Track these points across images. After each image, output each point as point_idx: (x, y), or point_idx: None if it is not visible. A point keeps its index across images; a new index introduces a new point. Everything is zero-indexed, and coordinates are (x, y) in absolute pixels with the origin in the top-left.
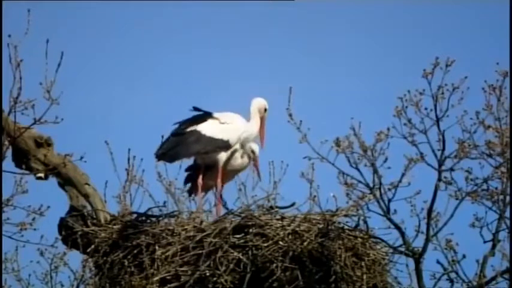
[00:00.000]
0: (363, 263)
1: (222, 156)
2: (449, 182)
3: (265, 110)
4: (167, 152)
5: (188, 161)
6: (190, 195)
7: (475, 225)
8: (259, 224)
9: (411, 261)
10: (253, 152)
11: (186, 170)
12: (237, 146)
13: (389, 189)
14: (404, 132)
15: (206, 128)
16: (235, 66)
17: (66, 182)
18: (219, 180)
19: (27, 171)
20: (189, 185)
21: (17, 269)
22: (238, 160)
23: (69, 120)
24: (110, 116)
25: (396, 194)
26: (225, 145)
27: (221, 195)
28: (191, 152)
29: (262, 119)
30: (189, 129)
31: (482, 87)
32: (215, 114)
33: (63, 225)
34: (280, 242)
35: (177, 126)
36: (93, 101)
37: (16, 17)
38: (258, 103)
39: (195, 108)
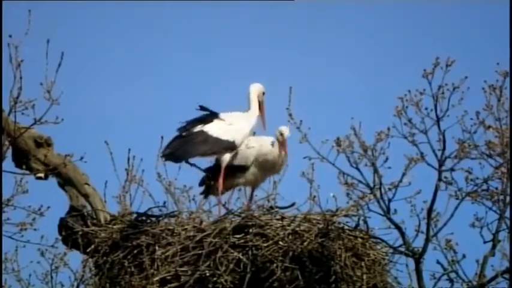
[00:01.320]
0: (363, 263)
1: (226, 157)
2: (449, 182)
3: (263, 93)
4: (174, 152)
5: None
6: (205, 196)
7: (475, 225)
8: (259, 224)
9: (411, 261)
10: (281, 134)
11: (205, 171)
12: (243, 146)
13: (389, 189)
14: (405, 132)
15: (213, 129)
16: (235, 66)
17: (66, 182)
18: (220, 181)
19: (27, 171)
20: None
21: (17, 269)
22: (270, 150)
23: (69, 120)
24: (110, 116)
25: (396, 194)
26: (230, 146)
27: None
28: (198, 152)
29: (261, 103)
30: (196, 130)
31: (483, 87)
32: (221, 115)
33: (63, 225)
34: (280, 242)
35: (183, 126)
36: (93, 101)
37: (17, 17)
38: (256, 88)
39: (202, 108)
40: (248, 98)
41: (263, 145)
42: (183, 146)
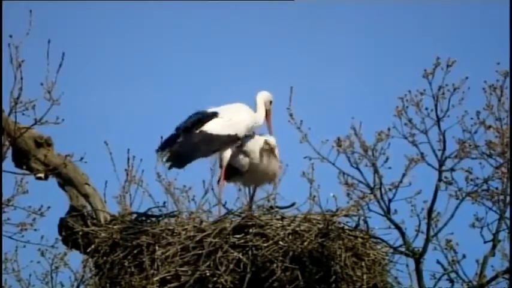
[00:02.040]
0: (363, 263)
1: (227, 154)
2: (449, 182)
3: (271, 102)
4: (177, 158)
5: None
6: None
7: (475, 226)
8: (259, 224)
9: (411, 261)
10: (267, 143)
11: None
12: (246, 138)
13: (389, 189)
14: (405, 132)
15: (212, 127)
16: (235, 66)
17: (66, 182)
18: (221, 180)
19: (27, 172)
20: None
21: (17, 269)
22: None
23: (69, 120)
24: (110, 116)
25: (397, 194)
26: (232, 140)
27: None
28: (201, 154)
29: (268, 112)
30: (195, 131)
31: (483, 87)
32: (220, 113)
33: (63, 225)
34: (281, 242)
35: (181, 126)
36: (93, 101)
37: (17, 17)
38: (264, 96)
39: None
40: (255, 103)
41: (254, 157)
42: (185, 149)
